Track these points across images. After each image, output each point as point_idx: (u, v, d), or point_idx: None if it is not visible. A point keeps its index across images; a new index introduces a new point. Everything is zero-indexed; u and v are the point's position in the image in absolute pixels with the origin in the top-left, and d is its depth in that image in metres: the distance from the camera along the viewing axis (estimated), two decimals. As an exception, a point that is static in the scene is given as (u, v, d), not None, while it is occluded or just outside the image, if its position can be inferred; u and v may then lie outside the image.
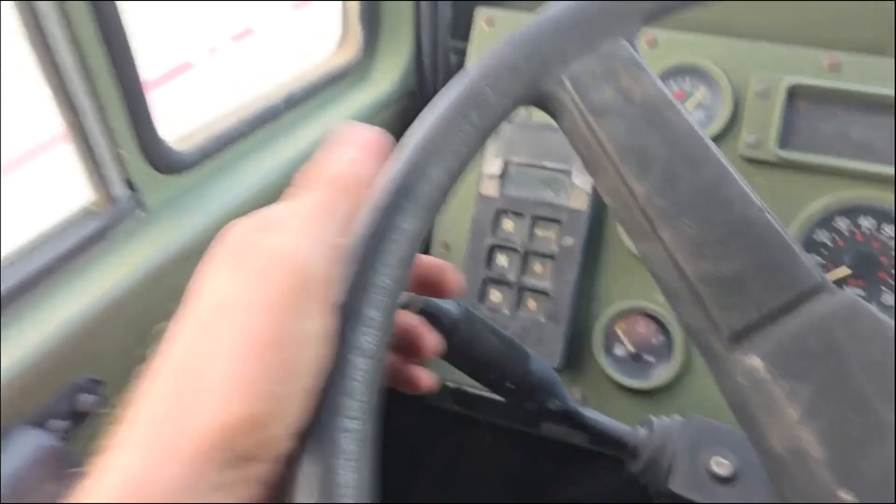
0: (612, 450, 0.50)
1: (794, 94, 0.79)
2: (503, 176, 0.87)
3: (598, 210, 0.84)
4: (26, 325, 0.50)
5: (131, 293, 0.56)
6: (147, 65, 0.59)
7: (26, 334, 0.49)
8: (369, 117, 0.94)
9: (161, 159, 0.62)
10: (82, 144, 0.57)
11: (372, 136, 0.31)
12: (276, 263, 0.26)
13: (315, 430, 0.25)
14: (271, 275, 0.25)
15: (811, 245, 0.79)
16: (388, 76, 0.99)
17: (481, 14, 0.95)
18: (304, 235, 0.27)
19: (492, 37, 0.94)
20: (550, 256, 0.83)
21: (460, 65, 1.01)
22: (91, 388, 0.52)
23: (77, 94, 0.55)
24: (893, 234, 0.77)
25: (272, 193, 0.75)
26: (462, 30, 1.00)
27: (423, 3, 0.97)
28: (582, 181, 0.83)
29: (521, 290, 0.84)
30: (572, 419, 0.49)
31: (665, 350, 0.82)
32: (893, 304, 0.77)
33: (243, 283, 0.26)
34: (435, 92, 1.05)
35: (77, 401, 0.50)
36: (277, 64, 4.84)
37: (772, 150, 0.79)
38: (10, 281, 0.49)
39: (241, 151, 0.74)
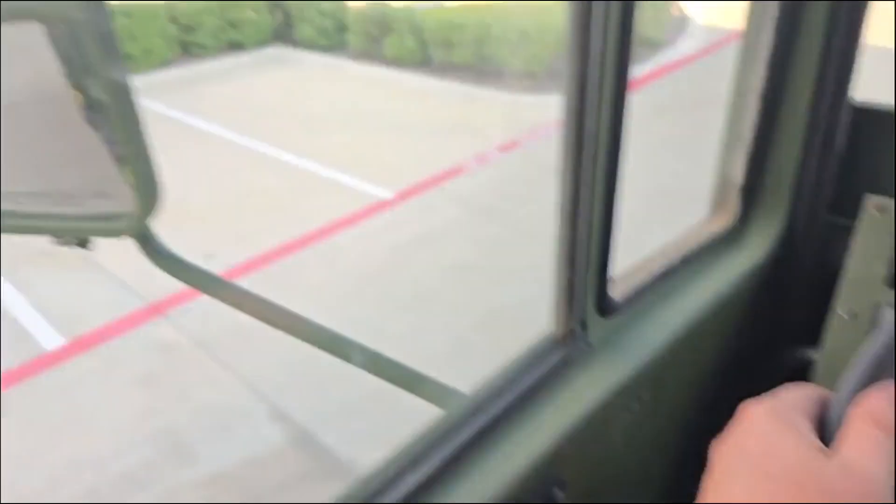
0: None
1: None
2: None
3: None
4: (515, 436, 0.63)
5: (586, 414, 0.67)
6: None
7: (515, 444, 0.62)
8: (740, 283, 0.99)
9: (604, 304, 0.74)
10: (560, 292, 0.71)
11: None
12: (865, 481, 0.31)
13: None
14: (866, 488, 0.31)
15: None
16: (759, 244, 1.04)
17: (872, 202, 0.97)
18: (876, 463, 0.31)
19: (882, 224, 0.95)
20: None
21: (837, 241, 1.02)
22: (562, 485, 0.63)
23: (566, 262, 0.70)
24: None
25: (684, 339, 0.83)
26: (842, 207, 1.02)
27: (804, 177, 1.02)
28: None
29: None
30: None
31: None
32: None
33: (835, 479, 0.31)
34: (807, 262, 1.08)
35: (551, 496, 0.61)
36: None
37: None
38: (499, 402, 0.63)
39: (651, 299, 0.85)
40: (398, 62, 8.64)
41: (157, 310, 3.93)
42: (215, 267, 4.31)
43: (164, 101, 7.89)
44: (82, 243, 0.51)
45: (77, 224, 0.49)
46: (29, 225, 0.50)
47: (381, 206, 5.29)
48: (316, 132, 6.95)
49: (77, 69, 0.41)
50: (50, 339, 3.71)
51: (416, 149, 6.45)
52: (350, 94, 8.32)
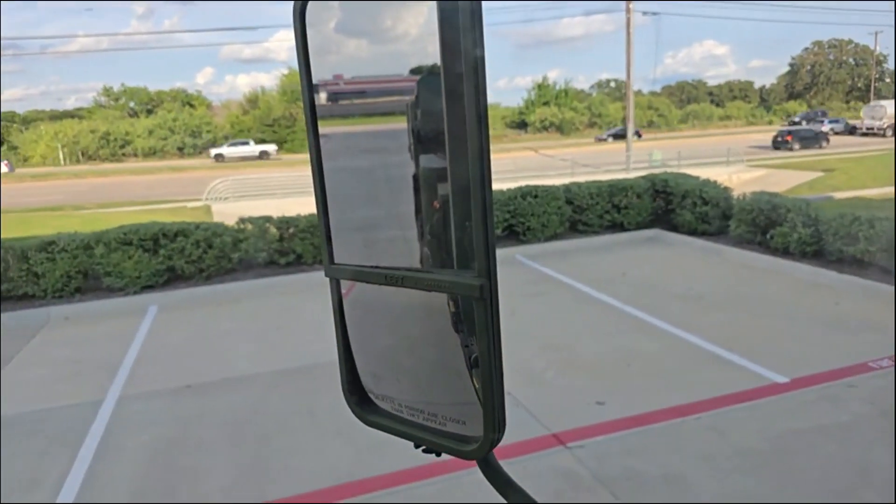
0: None
1: None
2: None
3: None
4: None
5: None
6: None
7: None
8: None
9: None
10: None
11: None
12: None
13: None
14: None
15: None
16: None
17: None
18: None
19: None
20: None
21: None
22: None
23: None
24: None
25: None
26: None
27: None
28: None
29: None
30: None
31: None
32: None
33: None
34: None
35: None
36: None
37: None
38: None
39: None
40: (785, 251, 8.36)
41: (558, 439, 4.29)
42: (605, 414, 4.57)
43: (557, 265, 8.98)
44: (437, 454, 0.57)
45: (434, 439, 0.56)
46: (400, 430, 0.59)
47: (775, 389, 4.99)
48: (696, 307, 7.02)
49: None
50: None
51: (811, 339, 6.01)
52: (730, 276, 8.27)
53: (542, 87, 52.55)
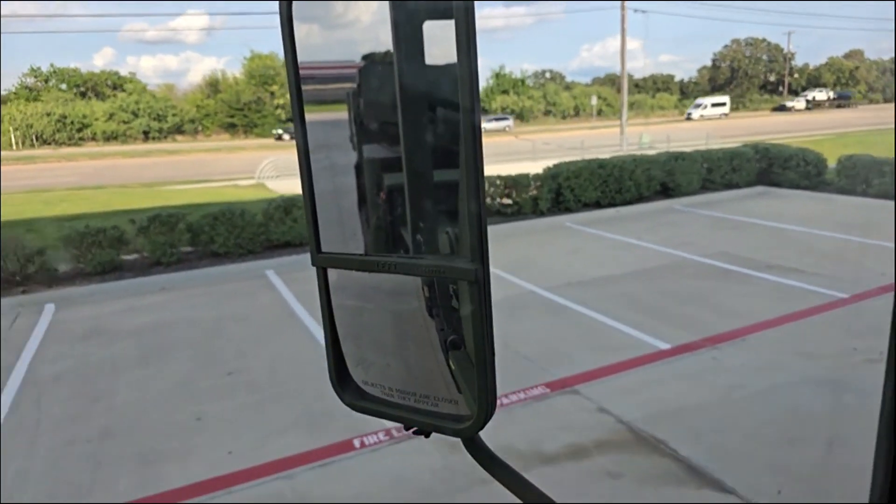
0: None
1: None
2: None
3: None
4: None
5: None
6: None
7: None
8: None
9: None
10: None
11: None
12: None
13: None
14: None
15: None
16: None
17: None
18: None
19: None
20: None
21: None
22: None
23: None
24: None
25: None
26: None
27: None
28: None
29: None
30: None
31: None
32: None
33: None
34: None
35: None
36: None
37: None
38: None
39: None
40: (886, 196, 11.47)
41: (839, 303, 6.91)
42: (881, 281, 7.23)
43: (716, 210, 11.64)
44: (427, 434, 0.60)
45: (426, 419, 0.58)
46: (390, 413, 0.61)
47: (973, 265, 7.85)
48: (860, 228, 9.85)
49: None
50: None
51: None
52: (855, 212, 11.25)
53: (499, 75, 55.74)
